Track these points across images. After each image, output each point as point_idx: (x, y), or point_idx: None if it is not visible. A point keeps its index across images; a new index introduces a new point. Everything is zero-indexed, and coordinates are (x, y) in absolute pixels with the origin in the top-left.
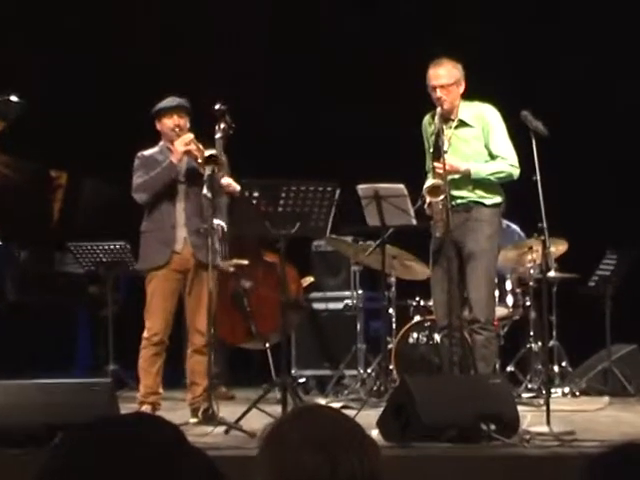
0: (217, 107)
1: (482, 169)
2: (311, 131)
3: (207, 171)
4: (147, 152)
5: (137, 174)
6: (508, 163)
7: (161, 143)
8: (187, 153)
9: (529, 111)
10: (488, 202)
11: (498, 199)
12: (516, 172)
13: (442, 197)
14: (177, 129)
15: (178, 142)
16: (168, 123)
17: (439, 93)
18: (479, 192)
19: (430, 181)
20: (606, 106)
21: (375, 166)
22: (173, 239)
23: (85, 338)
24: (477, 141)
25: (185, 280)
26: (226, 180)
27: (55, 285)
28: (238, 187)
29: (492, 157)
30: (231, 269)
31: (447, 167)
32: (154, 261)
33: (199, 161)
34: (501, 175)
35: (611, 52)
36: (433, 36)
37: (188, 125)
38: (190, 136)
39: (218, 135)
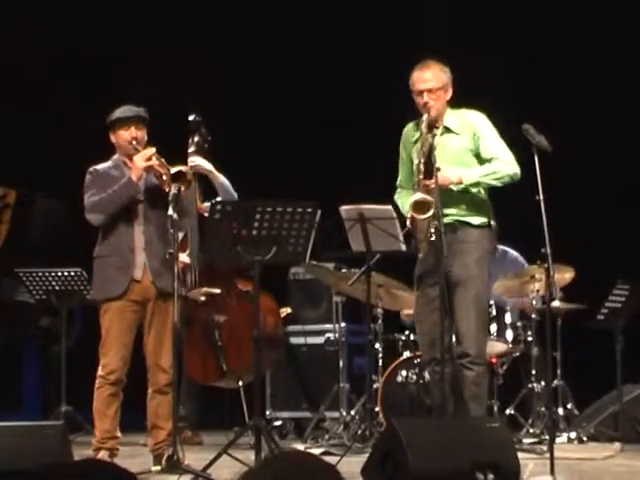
0: (191, 119)
1: (475, 172)
2: (290, 149)
3: (173, 189)
4: (100, 167)
5: (90, 192)
6: (503, 162)
7: (115, 157)
8: (148, 169)
9: (531, 124)
10: (475, 222)
11: (484, 219)
12: (516, 170)
13: (428, 215)
14: (134, 142)
15: (138, 157)
16: (124, 135)
17: (426, 98)
18: (465, 210)
19: (417, 195)
20: (621, 120)
21: (360, 185)
22: (132, 265)
23: (33, 375)
24: (464, 151)
25: (145, 311)
26: (193, 160)
27: (2, 316)
28: (209, 166)
29: (484, 163)
30: (202, 298)
31: (439, 181)
32: (111, 291)
33: (164, 178)
34: (498, 176)
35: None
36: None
37: (146, 138)
38: (152, 150)
39: (191, 149)
